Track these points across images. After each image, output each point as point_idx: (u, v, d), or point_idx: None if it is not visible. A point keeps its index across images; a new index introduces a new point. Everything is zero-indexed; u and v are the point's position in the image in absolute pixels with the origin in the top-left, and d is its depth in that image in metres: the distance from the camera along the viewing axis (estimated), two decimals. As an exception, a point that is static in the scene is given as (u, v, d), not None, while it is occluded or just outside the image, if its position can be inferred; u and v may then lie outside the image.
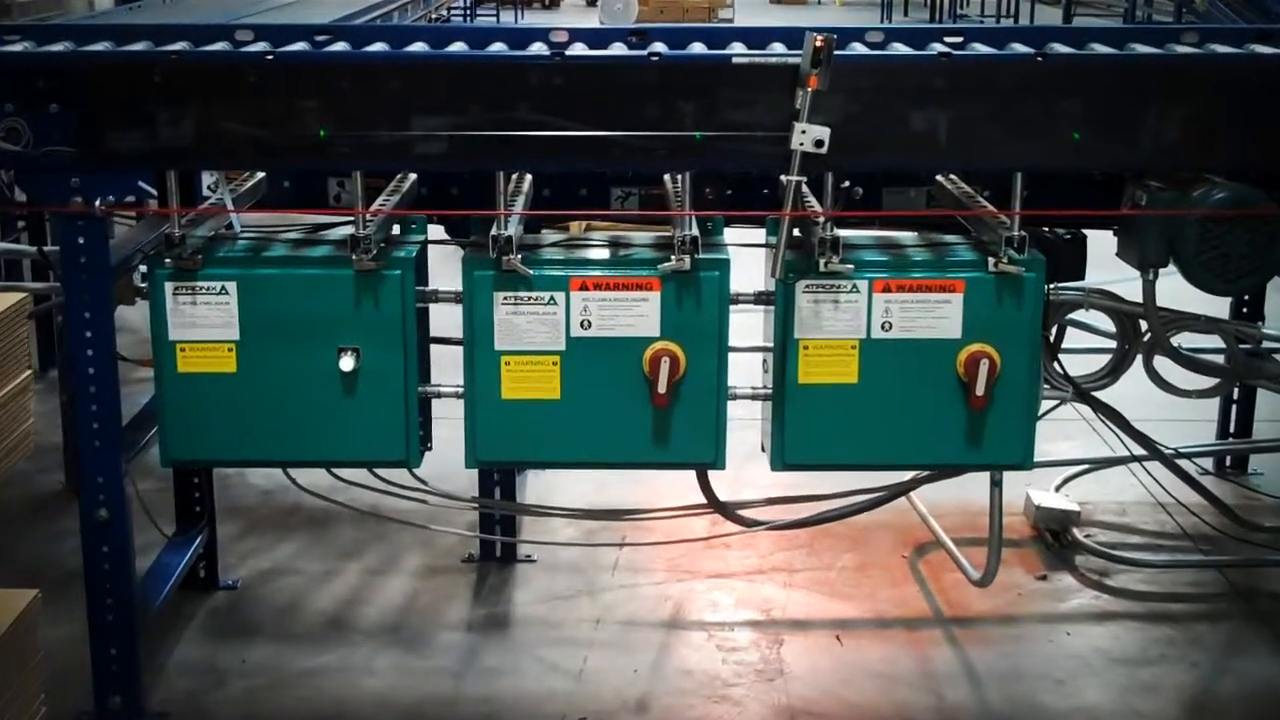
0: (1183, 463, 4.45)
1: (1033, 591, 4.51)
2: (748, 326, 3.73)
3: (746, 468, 3.96)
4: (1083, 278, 3.84)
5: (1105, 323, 4.16)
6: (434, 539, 4.64)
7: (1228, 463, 5.41)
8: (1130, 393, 4.10)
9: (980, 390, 3.46)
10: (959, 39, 3.93)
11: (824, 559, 4.70)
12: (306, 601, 4.42)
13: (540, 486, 5.07)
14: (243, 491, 5.11)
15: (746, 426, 3.71)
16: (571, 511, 4.40)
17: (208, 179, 3.87)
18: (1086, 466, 5.15)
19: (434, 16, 13.76)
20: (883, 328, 3.48)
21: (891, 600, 4.46)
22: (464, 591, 4.48)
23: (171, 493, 4.39)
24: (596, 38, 3.94)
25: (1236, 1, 7.29)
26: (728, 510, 3.95)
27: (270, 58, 3.30)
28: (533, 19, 24.20)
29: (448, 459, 3.69)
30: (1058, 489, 5.03)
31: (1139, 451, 4.27)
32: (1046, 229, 3.66)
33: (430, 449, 3.78)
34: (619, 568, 4.61)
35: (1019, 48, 3.83)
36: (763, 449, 3.76)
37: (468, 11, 19.80)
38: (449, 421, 3.63)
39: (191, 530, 4.39)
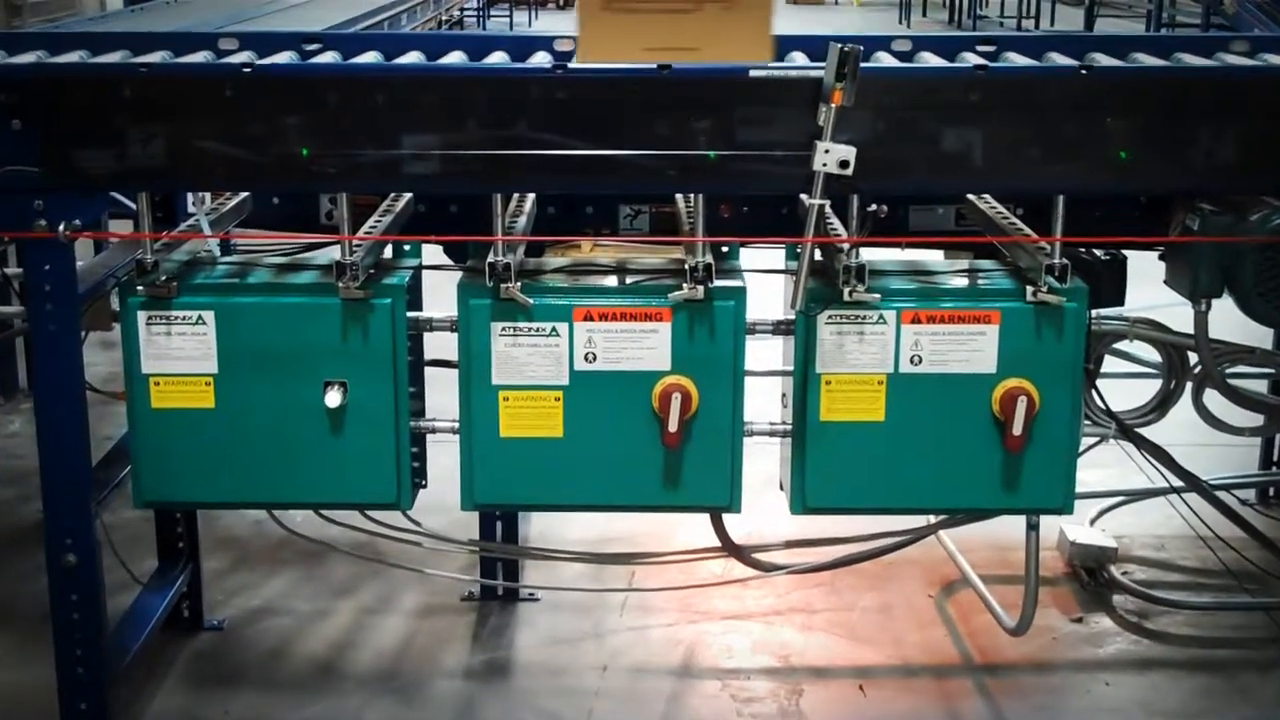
0: (1224, 494, 4.19)
1: (1068, 635, 4.24)
2: (765, 348, 3.47)
3: (763, 495, 3.67)
4: (1122, 302, 3.59)
5: (1141, 346, 3.89)
6: (435, 567, 4.37)
7: (1272, 494, 5.12)
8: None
9: (1018, 430, 3.19)
10: (992, 48, 3.68)
11: (845, 598, 4.43)
12: (295, 644, 4.16)
13: (545, 519, 4.80)
14: (232, 521, 4.86)
15: (762, 451, 3.45)
16: (577, 555, 4.13)
17: (191, 195, 3.62)
18: (1123, 499, 4.86)
19: (444, 18, 13.57)
20: (912, 361, 3.22)
21: (918, 645, 4.19)
22: (463, 633, 4.22)
23: (153, 523, 4.14)
24: (604, 47, 3.68)
25: (1268, 3, 7.09)
26: (744, 555, 3.69)
27: (248, 70, 3.05)
28: (547, 19, 23.97)
29: (448, 490, 3.40)
30: (1092, 522, 4.75)
31: (1178, 482, 4.01)
32: (1083, 249, 3.40)
33: (424, 486, 3.53)
34: (628, 607, 4.35)
35: (1057, 58, 3.56)
36: (780, 488, 3.51)
37: (480, 12, 19.56)
38: (450, 447, 3.35)
39: (174, 567, 4.14)
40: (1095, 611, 4.37)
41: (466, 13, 18.73)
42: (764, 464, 3.56)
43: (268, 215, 3.81)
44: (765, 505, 3.74)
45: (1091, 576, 4.52)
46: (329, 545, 3.85)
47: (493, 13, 21.13)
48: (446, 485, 3.41)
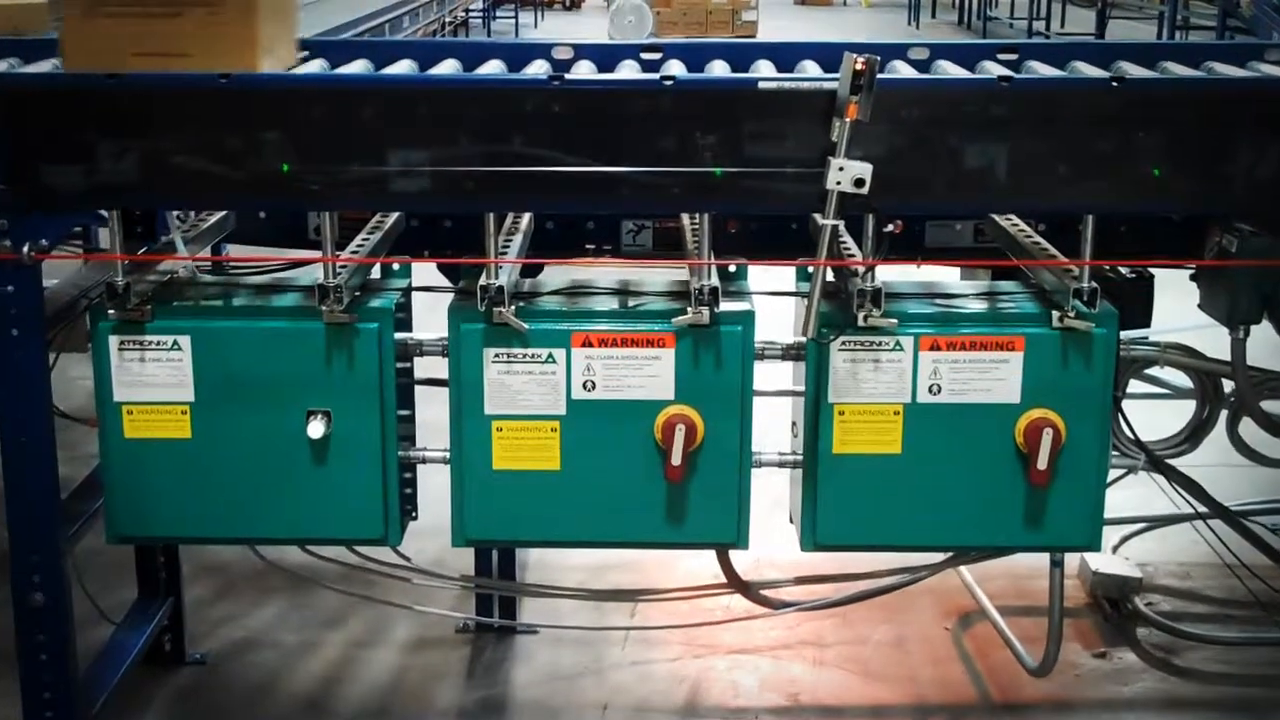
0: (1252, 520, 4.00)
1: (1092, 672, 4.04)
2: (772, 364, 3.26)
3: (771, 518, 3.47)
4: (1149, 324, 3.40)
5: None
6: (426, 603, 4.18)
7: (1300, 520, 4.92)
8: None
9: (1042, 463, 3.00)
10: (1014, 56, 3.49)
11: (857, 631, 4.24)
12: (282, 680, 3.98)
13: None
14: (217, 547, 4.65)
15: (768, 473, 3.23)
16: (577, 592, 3.94)
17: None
18: (1145, 525, 4.66)
19: (448, 20, 13.39)
20: (930, 391, 3.03)
21: (934, 682, 3.99)
22: (457, 668, 4.03)
23: (133, 551, 3.96)
24: (605, 55, 3.51)
25: (1283, 5, 6.96)
26: (752, 592, 3.49)
27: (223, 81, 2.85)
28: (553, 20, 23.82)
29: (445, 512, 3.16)
30: (1115, 549, 4.56)
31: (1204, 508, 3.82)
32: (1108, 267, 3.21)
33: (415, 518, 3.34)
34: (630, 640, 4.15)
35: (1083, 67, 3.38)
36: (790, 521, 3.32)
37: (486, 14, 19.37)
38: (448, 467, 3.14)
39: (155, 597, 3.96)
40: (1119, 646, 4.17)
41: (472, 14, 18.55)
42: (771, 484, 3.33)
43: (253, 229, 3.64)
44: (772, 529, 3.52)
45: (1115, 608, 4.33)
46: (316, 581, 3.65)
47: (498, 14, 20.93)
48: (444, 507, 3.20)
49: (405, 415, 3.25)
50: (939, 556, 3.54)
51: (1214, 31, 12.41)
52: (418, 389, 3.36)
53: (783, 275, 3.38)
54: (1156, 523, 4.66)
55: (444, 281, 3.41)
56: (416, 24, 10.42)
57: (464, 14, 17.05)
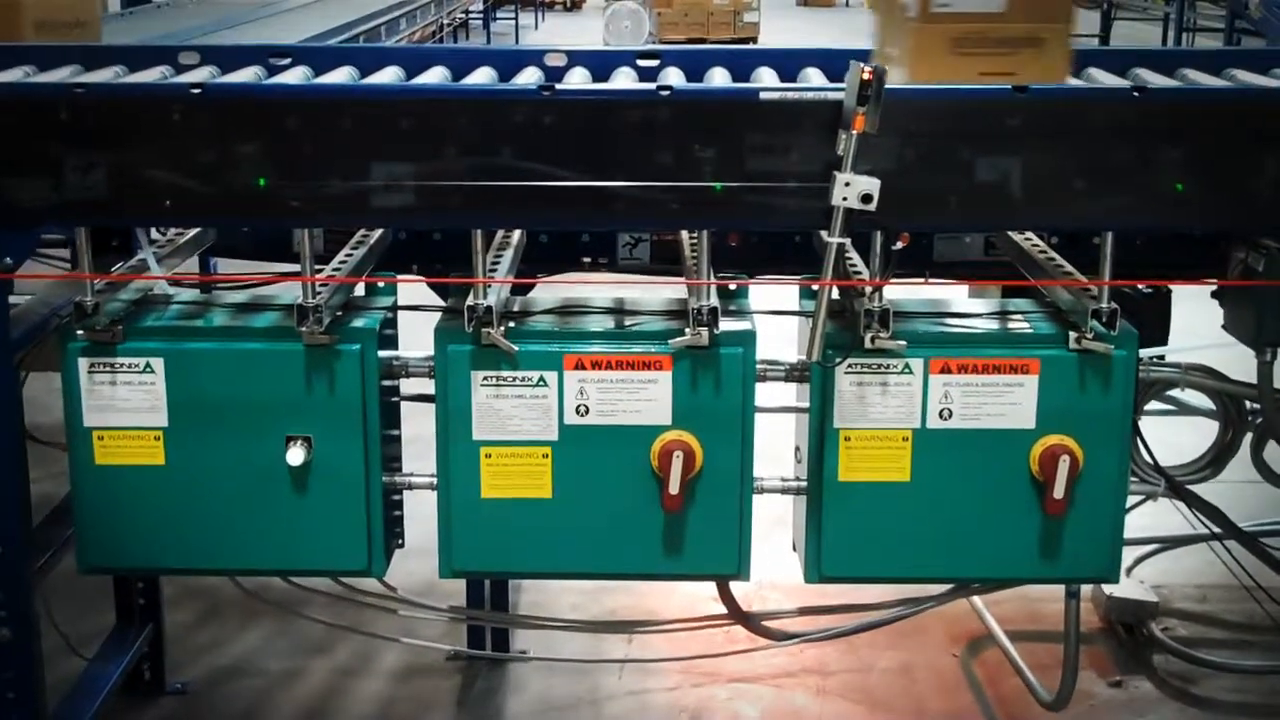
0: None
1: (1108, 702, 3.90)
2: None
3: (771, 537, 3.32)
4: (1166, 341, 3.25)
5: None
6: (416, 628, 4.04)
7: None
8: (1200, 445, 3.52)
9: (1059, 492, 2.85)
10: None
11: (862, 657, 4.09)
12: (265, 710, 3.85)
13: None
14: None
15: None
16: (572, 623, 3.80)
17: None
18: (1160, 546, 4.51)
19: (446, 22, 13.25)
20: (941, 416, 2.88)
21: (943, 713, 3.86)
22: (447, 698, 3.89)
23: (111, 574, 3.82)
24: (600, 61, 3.36)
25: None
26: (753, 623, 3.34)
27: (196, 91, 2.71)
28: (554, 21, 23.71)
29: (435, 537, 3.03)
30: (1129, 571, 4.41)
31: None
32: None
33: (402, 545, 3.20)
34: (627, 667, 4.01)
35: (1099, 74, 3.23)
36: (793, 549, 3.17)
37: (485, 15, 19.23)
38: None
39: (134, 624, 3.81)
40: (1135, 674, 4.03)
41: (471, 16, 18.42)
42: (773, 498, 3.18)
43: (235, 242, 3.50)
44: (774, 548, 3.37)
45: (1130, 633, 4.19)
46: (298, 613, 3.50)
47: (498, 15, 20.78)
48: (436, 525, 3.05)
49: (392, 436, 3.11)
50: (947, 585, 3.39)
51: (1221, 34, 12.24)
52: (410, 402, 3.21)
53: (786, 290, 3.24)
54: (1172, 543, 4.51)
55: (433, 297, 3.27)
56: (413, 26, 10.24)
57: (463, 15, 16.93)
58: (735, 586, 3.33)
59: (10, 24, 3.30)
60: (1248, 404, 3.35)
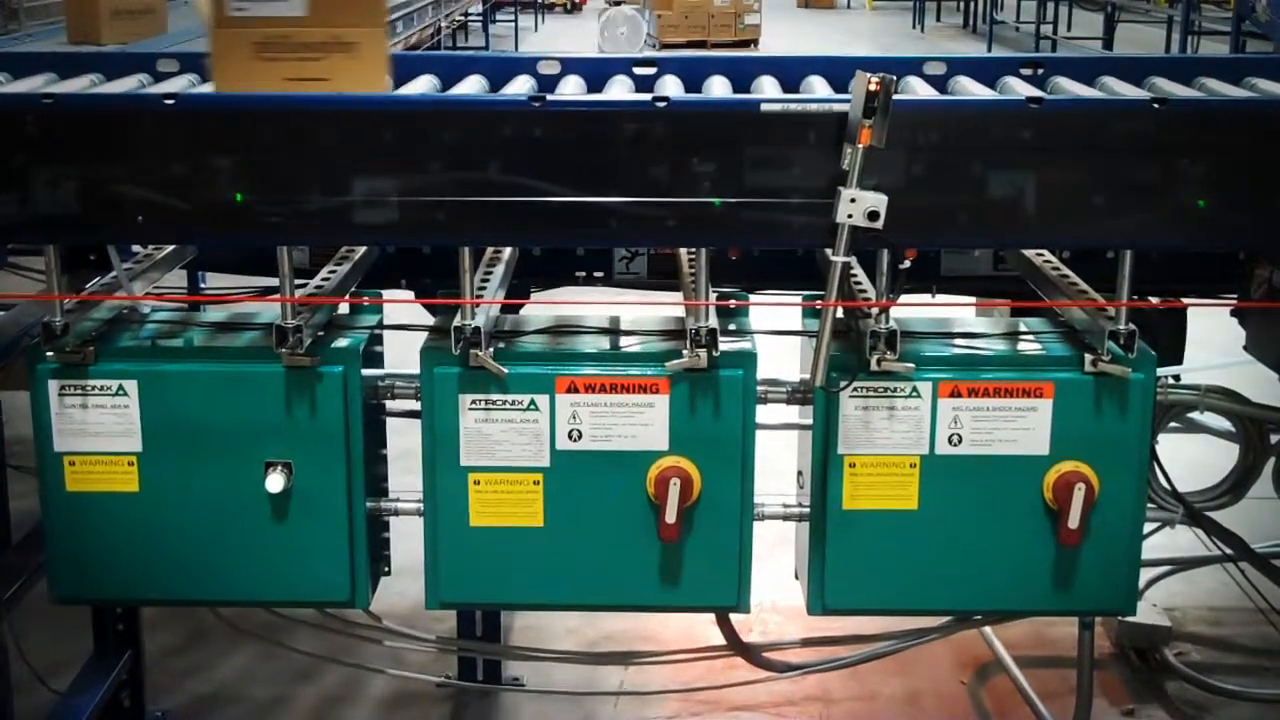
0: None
1: (1120, 733, 3.77)
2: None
3: (772, 557, 3.18)
4: (1181, 360, 3.13)
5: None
6: (405, 653, 3.91)
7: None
8: (1216, 462, 3.40)
9: (1074, 522, 2.73)
10: (1034, 70, 3.23)
11: (867, 684, 3.96)
12: (247, 741, 3.71)
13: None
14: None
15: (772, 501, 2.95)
16: (565, 654, 3.67)
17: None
18: (1173, 568, 4.39)
19: (444, 24, 13.12)
20: (950, 442, 2.76)
21: (949, 744, 3.73)
22: (437, 727, 3.76)
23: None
24: (595, 69, 3.24)
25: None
26: (753, 655, 3.22)
27: (169, 102, 2.58)
28: (554, 24, 23.58)
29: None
30: (1140, 594, 4.27)
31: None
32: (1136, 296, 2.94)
33: (388, 573, 3.07)
34: (623, 695, 3.88)
35: (1114, 84, 3.11)
36: (795, 578, 3.05)
37: (485, 17, 19.09)
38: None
39: (112, 650, 3.68)
40: (1148, 702, 3.91)
41: (471, 18, 18.29)
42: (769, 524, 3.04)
43: (217, 256, 3.38)
44: (774, 569, 3.23)
45: (1143, 659, 4.06)
46: (281, 644, 3.37)
47: (498, 17, 20.64)
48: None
49: (377, 458, 2.98)
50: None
51: (1228, 37, 12.11)
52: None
53: (788, 311, 3.11)
54: (1184, 565, 4.38)
55: (422, 312, 3.13)
56: (411, 29, 10.11)
57: (462, 18, 16.80)
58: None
59: (90, 14, 3.31)
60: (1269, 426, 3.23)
